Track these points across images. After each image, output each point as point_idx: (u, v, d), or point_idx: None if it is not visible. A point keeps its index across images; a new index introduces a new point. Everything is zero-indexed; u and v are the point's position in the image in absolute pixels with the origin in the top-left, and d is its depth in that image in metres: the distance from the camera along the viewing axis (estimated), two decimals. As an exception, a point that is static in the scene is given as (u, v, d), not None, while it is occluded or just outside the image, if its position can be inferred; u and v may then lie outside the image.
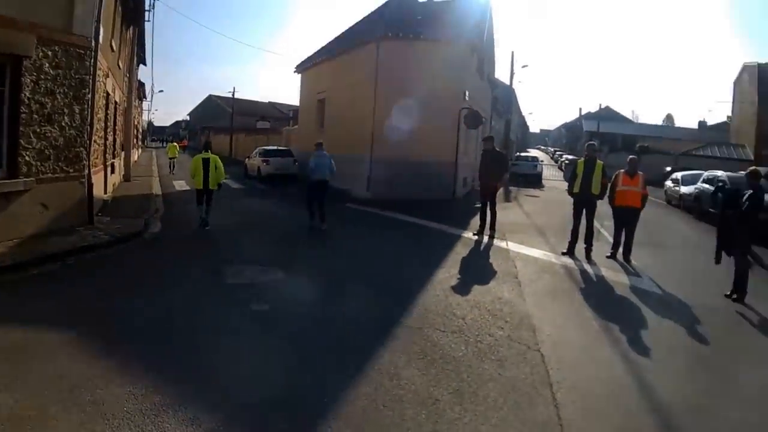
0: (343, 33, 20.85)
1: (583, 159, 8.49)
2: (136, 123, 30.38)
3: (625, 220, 8.14)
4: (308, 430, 3.05)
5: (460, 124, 14.39)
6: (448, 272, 6.95)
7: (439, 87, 14.18)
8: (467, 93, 15.25)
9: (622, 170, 8.28)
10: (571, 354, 4.39)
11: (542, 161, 28.55)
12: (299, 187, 15.73)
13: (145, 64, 23.12)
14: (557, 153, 44.70)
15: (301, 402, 3.37)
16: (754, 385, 4.04)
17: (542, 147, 60.89)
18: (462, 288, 6.19)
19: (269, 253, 7.84)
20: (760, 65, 33.27)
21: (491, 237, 9.44)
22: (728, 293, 6.43)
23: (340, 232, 9.88)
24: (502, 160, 9.99)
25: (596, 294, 6.37)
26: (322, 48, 21.16)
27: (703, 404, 3.68)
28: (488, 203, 9.72)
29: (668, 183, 19.34)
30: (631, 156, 8.79)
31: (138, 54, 19.54)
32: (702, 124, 53.57)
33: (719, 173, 14.51)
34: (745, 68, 35.63)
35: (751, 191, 6.36)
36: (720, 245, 6.66)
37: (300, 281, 6.36)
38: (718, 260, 6.63)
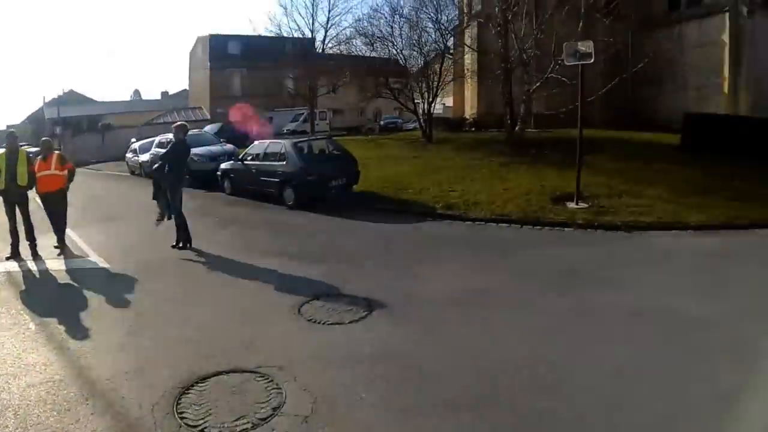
0: None
1: (4, 151, 7.57)
2: None
3: (53, 206, 7.73)
4: None
5: None
6: None
7: None
8: None
9: (39, 156, 7.77)
10: (1, 369, 4.03)
11: None
12: None
13: None
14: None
15: None
16: (204, 318, 4.83)
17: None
18: None
19: None
20: (211, 35, 39.30)
21: None
22: (174, 244, 7.26)
23: None
24: None
25: (37, 292, 6.23)
26: None
27: (140, 366, 3.92)
28: None
29: (128, 154, 19.41)
30: (43, 138, 8.57)
31: None
32: (164, 93, 55.16)
33: (170, 136, 14.72)
34: (199, 40, 41.10)
35: (174, 143, 7.31)
36: (156, 192, 7.48)
37: None
38: (155, 196, 7.51)
